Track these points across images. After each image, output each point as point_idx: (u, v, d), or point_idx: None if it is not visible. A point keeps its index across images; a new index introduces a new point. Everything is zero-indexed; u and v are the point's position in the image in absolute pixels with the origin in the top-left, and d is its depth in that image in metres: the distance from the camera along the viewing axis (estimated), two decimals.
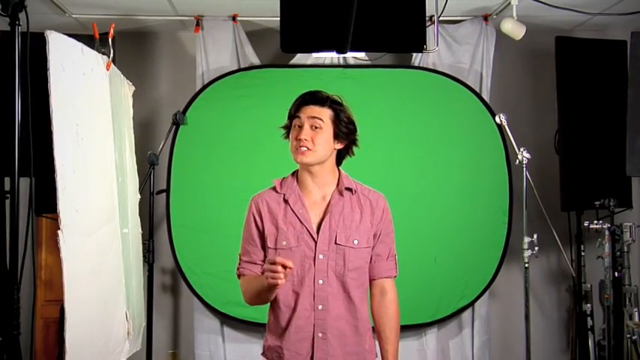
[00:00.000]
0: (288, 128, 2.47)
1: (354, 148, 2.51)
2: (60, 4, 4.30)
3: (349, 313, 2.42)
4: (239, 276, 2.50)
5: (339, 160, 2.51)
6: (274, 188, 2.50)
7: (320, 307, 2.38)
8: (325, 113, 2.40)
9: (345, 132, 2.43)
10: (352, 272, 2.41)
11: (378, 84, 4.63)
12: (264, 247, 2.46)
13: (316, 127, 2.38)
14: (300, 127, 2.39)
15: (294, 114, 2.43)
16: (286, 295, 2.40)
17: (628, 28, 4.38)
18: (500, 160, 4.58)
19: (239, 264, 2.50)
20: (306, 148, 2.36)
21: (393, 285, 2.51)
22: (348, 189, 2.46)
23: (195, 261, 4.51)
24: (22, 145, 2.37)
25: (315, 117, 2.38)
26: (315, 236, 2.39)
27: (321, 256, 2.38)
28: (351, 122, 2.46)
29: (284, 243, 2.40)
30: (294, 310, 2.39)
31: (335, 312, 2.39)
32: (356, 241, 2.41)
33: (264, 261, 2.43)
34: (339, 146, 2.45)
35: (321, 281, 2.38)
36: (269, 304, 2.48)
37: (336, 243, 2.39)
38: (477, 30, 4.73)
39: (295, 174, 2.50)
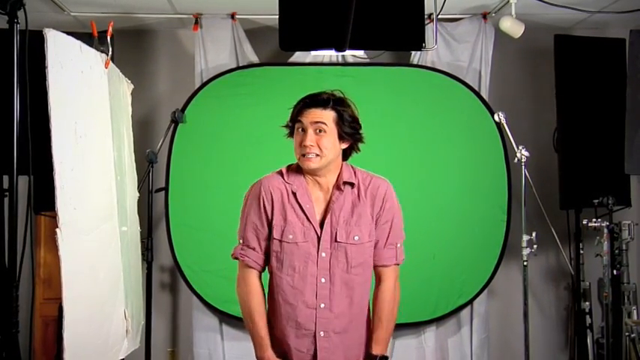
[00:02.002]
0: (290, 128, 2.45)
1: (360, 145, 2.49)
2: (59, 2, 4.30)
3: (352, 311, 2.41)
4: (236, 258, 2.47)
5: (344, 157, 2.49)
6: (281, 174, 2.47)
7: (322, 305, 2.37)
8: (328, 116, 2.37)
9: (349, 132, 2.40)
10: (356, 268, 2.40)
11: (376, 82, 4.62)
12: (268, 235, 2.44)
13: (320, 131, 2.35)
14: (304, 131, 2.36)
15: (295, 118, 2.40)
16: (288, 292, 2.39)
17: (627, 26, 4.39)
18: (498, 158, 4.58)
19: (240, 248, 2.46)
20: (313, 155, 2.35)
21: (391, 273, 2.48)
22: (347, 183, 2.44)
23: (194, 259, 4.51)
24: (21, 143, 2.38)
25: (318, 122, 2.35)
26: (319, 234, 2.39)
27: (323, 254, 2.38)
28: (355, 120, 2.43)
29: (290, 236, 2.38)
30: (295, 307, 2.38)
31: (337, 310, 2.38)
32: (357, 237, 2.39)
33: (266, 248, 2.43)
34: (345, 146, 2.44)
35: (323, 280, 2.37)
36: (268, 295, 2.48)
37: (336, 241, 2.38)
38: (475, 28, 4.73)
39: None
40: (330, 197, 2.43)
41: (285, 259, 2.40)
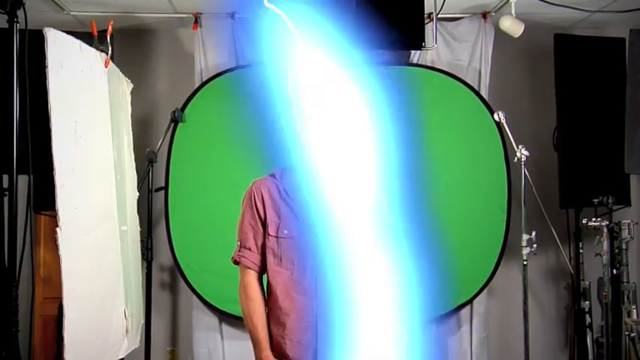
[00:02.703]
0: None
1: None
2: (58, 2, 4.30)
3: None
4: (236, 262, 2.49)
5: None
6: (273, 176, 2.50)
7: (323, 296, 2.38)
8: None
9: None
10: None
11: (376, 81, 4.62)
12: (263, 234, 2.45)
13: None
14: None
15: None
16: (288, 284, 2.40)
17: (627, 25, 4.38)
18: (498, 158, 4.58)
19: (238, 250, 2.49)
20: None
21: None
22: None
23: (194, 258, 4.51)
24: (21, 143, 2.37)
25: None
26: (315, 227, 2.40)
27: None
28: None
29: (285, 232, 2.41)
30: (295, 299, 2.39)
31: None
32: None
33: (262, 247, 2.44)
34: None
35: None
36: (269, 291, 2.49)
37: None
38: (475, 27, 4.73)
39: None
40: None
41: (282, 254, 2.42)
